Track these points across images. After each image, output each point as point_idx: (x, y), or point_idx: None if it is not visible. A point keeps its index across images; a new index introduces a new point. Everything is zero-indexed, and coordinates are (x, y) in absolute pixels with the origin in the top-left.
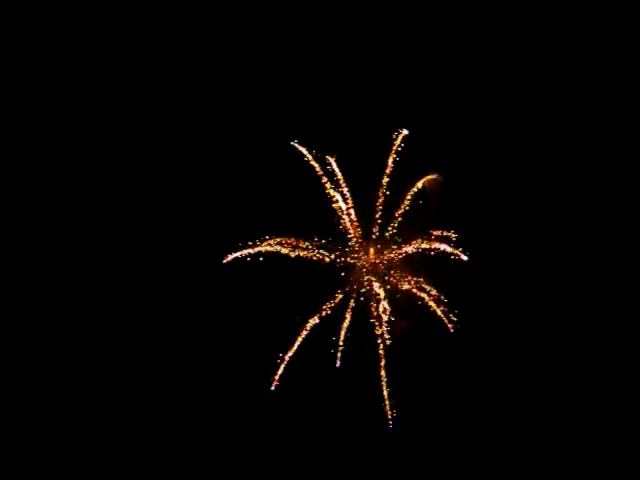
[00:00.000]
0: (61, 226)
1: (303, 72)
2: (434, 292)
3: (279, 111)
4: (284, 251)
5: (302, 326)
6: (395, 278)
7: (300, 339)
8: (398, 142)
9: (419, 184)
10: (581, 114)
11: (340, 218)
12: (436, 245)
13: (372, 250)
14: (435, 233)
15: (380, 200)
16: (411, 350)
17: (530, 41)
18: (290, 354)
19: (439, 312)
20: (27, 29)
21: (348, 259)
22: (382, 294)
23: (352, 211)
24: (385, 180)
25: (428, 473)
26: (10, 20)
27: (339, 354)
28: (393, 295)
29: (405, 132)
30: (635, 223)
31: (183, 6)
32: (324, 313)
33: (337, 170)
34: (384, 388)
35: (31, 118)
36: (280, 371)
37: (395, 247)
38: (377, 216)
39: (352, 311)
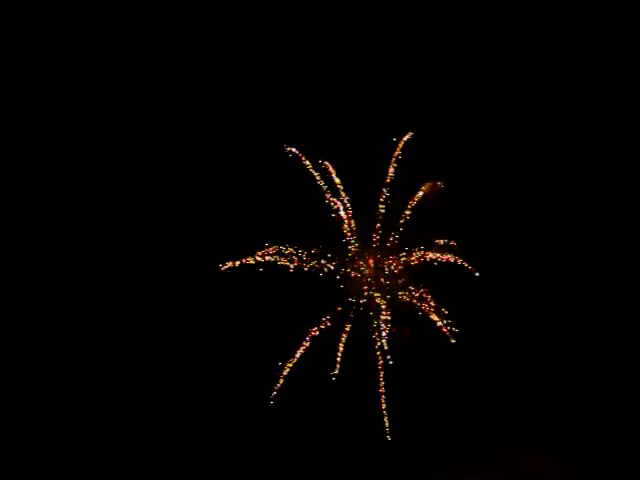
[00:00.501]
0: (58, 235)
1: (303, 78)
2: (434, 303)
3: (277, 117)
4: (282, 261)
5: (301, 337)
6: (395, 288)
7: (299, 351)
8: (400, 147)
9: (420, 193)
10: (584, 118)
11: (340, 227)
12: (438, 255)
13: (372, 260)
14: (436, 242)
15: (380, 208)
16: (411, 361)
17: (532, 50)
18: (289, 366)
19: (440, 323)
20: (27, 29)
21: (348, 269)
22: (382, 305)
23: (352, 220)
24: (385, 188)
25: None
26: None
27: (338, 365)
28: (393, 306)
29: (409, 135)
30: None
31: (178, 9)
32: (323, 325)
33: (336, 178)
34: (382, 400)
35: (29, 119)
36: (279, 383)
37: (395, 257)
38: (377, 226)
39: (352, 322)
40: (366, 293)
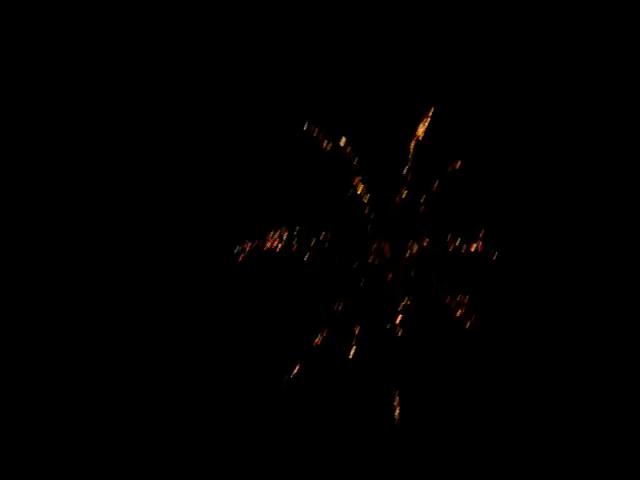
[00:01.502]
0: (63, 228)
1: (319, 59)
2: (453, 292)
3: (293, 98)
4: (295, 247)
5: (314, 328)
6: (414, 277)
7: (315, 340)
8: (423, 127)
9: (441, 177)
10: (597, 117)
11: (358, 211)
12: (459, 243)
13: (391, 246)
14: (458, 230)
15: (402, 193)
16: (424, 351)
17: (546, 51)
18: (302, 356)
19: (458, 313)
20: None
21: (365, 255)
22: (399, 292)
23: (371, 204)
24: (407, 171)
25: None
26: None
27: (352, 353)
28: (410, 293)
29: (430, 114)
30: None
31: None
32: (338, 312)
33: (354, 160)
34: (394, 387)
35: (30, 119)
36: (293, 373)
37: (415, 243)
38: (396, 212)
39: (367, 310)
40: (383, 281)
